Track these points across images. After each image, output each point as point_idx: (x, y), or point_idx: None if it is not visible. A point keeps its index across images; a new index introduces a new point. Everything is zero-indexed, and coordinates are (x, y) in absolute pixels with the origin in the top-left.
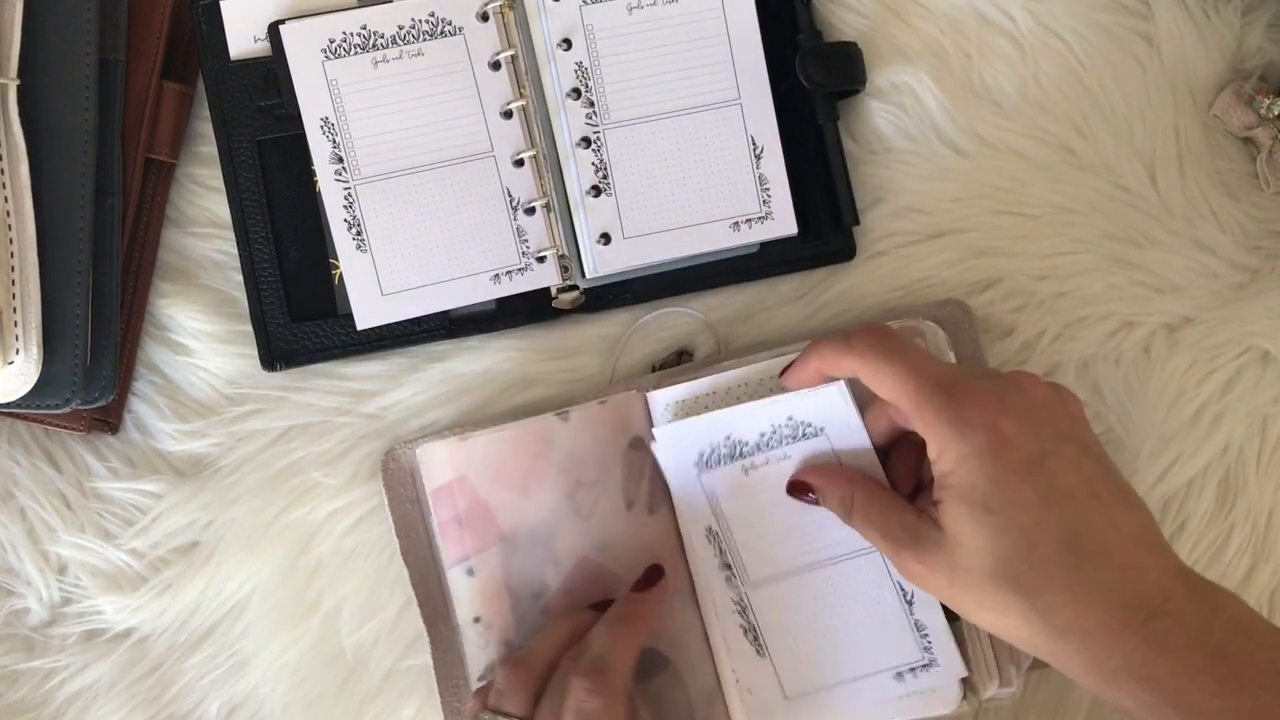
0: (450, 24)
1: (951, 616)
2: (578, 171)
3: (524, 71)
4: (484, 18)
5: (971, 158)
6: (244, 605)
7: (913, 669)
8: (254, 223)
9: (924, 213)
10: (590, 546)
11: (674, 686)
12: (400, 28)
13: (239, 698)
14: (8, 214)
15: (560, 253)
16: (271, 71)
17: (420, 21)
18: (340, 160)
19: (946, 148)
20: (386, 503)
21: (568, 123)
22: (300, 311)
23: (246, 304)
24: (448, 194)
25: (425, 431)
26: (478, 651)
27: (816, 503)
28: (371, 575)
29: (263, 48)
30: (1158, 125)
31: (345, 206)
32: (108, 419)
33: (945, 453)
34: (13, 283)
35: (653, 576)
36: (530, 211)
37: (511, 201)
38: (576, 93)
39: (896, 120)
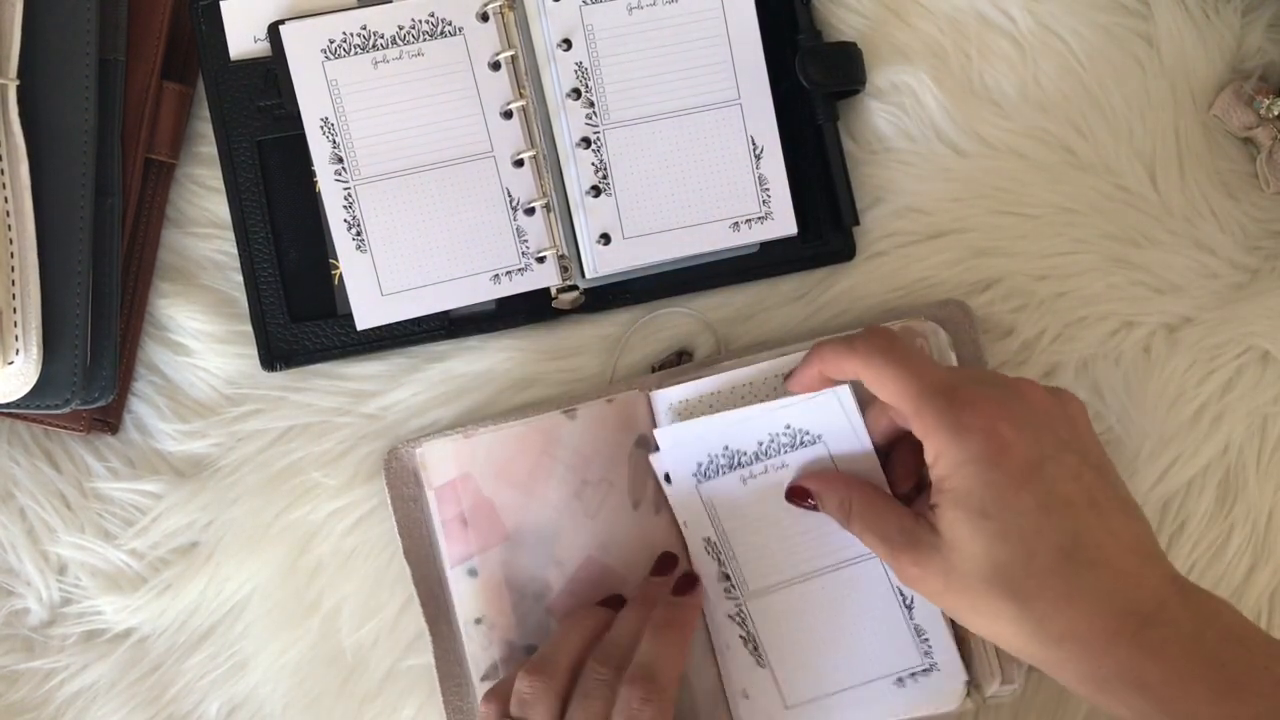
0: (450, 24)
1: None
2: (578, 172)
3: (524, 72)
4: (484, 18)
5: (971, 158)
6: (244, 605)
7: (913, 674)
8: (254, 223)
9: (924, 213)
10: (595, 546)
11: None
12: (400, 28)
13: (239, 698)
14: (8, 214)
15: (560, 253)
16: (271, 71)
17: (420, 22)
18: (340, 160)
19: (946, 148)
20: (389, 501)
21: (568, 123)
22: (300, 312)
23: (246, 304)
24: (448, 194)
25: (425, 432)
26: (480, 652)
27: (815, 508)
28: (371, 575)
29: (263, 48)
30: (1158, 125)
31: (345, 206)
32: (108, 419)
33: (943, 457)
34: (13, 283)
35: (668, 564)
36: (530, 212)
37: (511, 202)
38: (576, 93)
39: (896, 120)
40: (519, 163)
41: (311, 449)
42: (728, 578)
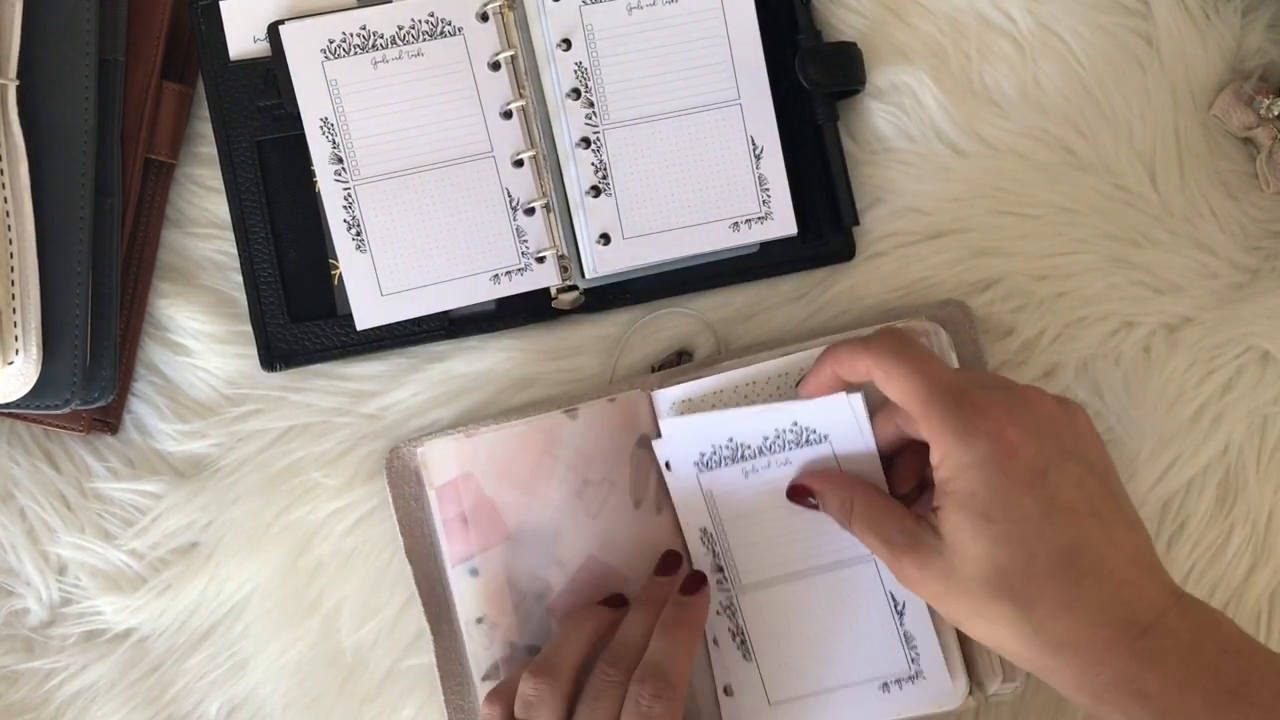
0: (450, 24)
1: None
2: (577, 172)
3: (524, 72)
4: (484, 18)
5: (971, 158)
6: (244, 605)
7: (899, 681)
8: (254, 223)
9: (924, 213)
10: (596, 546)
11: None
12: (400, 28)
13: (239, 698)
14: (7, 214)
15: (560, 253)
16: (271, 72)
17: (420, 22)
18: (340, 160)
19: (946, 148)
20: (391, 500)
21: (567, 123)
22: (300, 312)
23: (246, 304)
24: (447, 194)
25: (425, 432)
26: (482, 651)
27: (816, 507)
28: (371, 575)
29: (262, 48)
30: (1158, 125)
31: (345, 207)
32: (107, 419)
33: (949, 459)
34: (12, 283)
35: (672, 563)
36: (530, 212)
37: (511, 202)
38: (576, 93)
39: (896, 120)
40: (519, 163)
41: (311, 449)
42: (721, 570)
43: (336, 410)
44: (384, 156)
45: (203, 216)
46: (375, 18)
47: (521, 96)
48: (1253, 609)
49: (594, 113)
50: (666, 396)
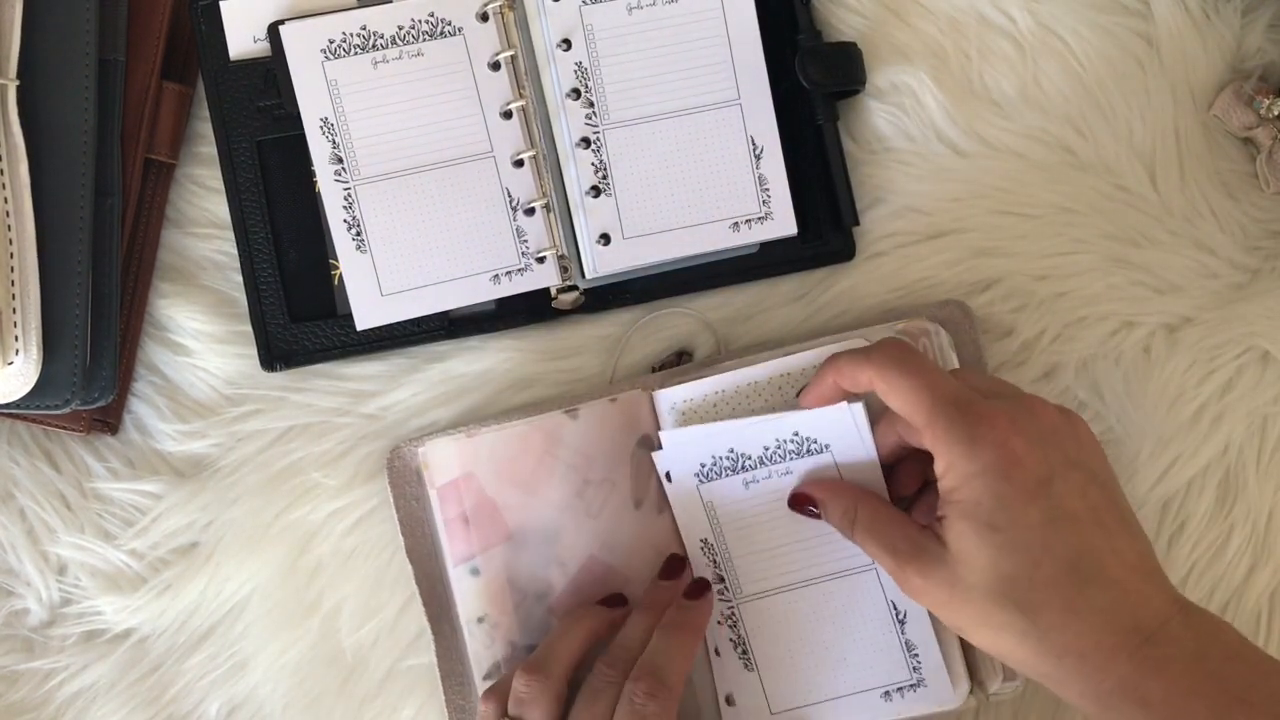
0: (450, 24)
1: None
2: (577, 172)
3: (524, 72)
4: (484, 18)
5: (971, 158)
6: (244, 605)
7: (900, 689)
8: (254, 223)
9: (924, 213)
10: (597, 546)
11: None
12: (400, 28)
13: (239, 698)
14: (7, 214)
15: (560, 253)
16: (271, 72)
17: (420, 22)
18: (340, 160)
19: (946, 148)
20: (392, 500)
21: (567, 123)
22: (300, 312)
23: (246, 304)
24: (447, 194)
25: (425, 432)
26: (483, 650)
27: (818, 516)
28: (372, 575)
29: (262, 48)
30: (1158, 125)
31: (345, 207)
32: (107, 419)
33: (953, 468)
34: (12, 283)
35: (675, 567)
36: (530, 212)
37: (511, 202)
38: (576, 93)
39: (896, 120)
40: (519, 163)
41: (311, 449)
42: (722, 580)
43: (336, 410)
44: (384, 156)
45: (203, 216)
46: (375, 18)
47: (521, 96)
48: (1253, 609)
49: (594, 113)
50: (667, 397)
